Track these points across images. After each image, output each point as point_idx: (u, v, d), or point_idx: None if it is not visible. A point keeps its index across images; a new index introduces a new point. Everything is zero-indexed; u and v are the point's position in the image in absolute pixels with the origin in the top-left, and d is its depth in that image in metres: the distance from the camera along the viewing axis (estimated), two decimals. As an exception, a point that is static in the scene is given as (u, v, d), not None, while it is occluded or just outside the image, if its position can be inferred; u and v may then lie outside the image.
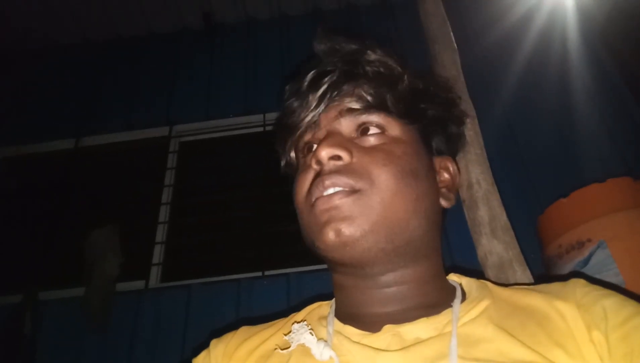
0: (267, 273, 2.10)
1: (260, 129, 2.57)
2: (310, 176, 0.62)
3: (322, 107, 0.64)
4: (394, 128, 0.64)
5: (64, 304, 2.06)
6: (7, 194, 2.48)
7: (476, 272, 0.92)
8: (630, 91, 2.37)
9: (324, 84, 0.65)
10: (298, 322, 0.62)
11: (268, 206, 2.33)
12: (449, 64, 1.36)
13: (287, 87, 0.72)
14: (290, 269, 2.08)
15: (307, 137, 0.67)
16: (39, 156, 2.62)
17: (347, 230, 0.55)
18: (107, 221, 2.17)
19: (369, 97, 0.64)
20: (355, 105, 0.63)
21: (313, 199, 0.59)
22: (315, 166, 0.62)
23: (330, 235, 0.56)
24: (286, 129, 0.70)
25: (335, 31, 0.73)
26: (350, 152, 0.60)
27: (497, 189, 1.17)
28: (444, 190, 0.67)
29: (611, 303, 0.53)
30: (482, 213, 1.13)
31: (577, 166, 2.14)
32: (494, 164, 1.22)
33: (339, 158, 0.59)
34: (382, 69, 0.67)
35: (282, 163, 0.75)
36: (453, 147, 0.73)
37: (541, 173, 2.16)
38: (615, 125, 2.27)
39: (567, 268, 1.45)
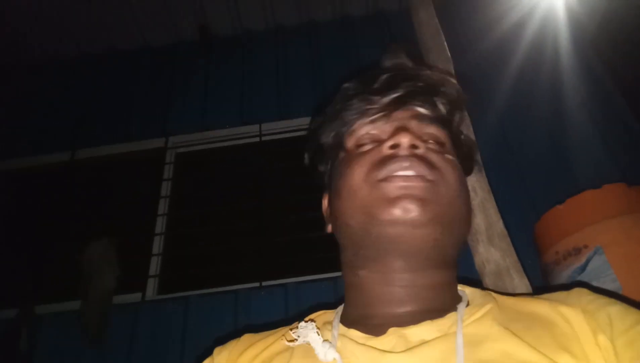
0: (264, 283, 2.10)
1: (257, 139, 2.58)
2: (375, 157, 0.62)
3: (397, 105, 0.66)
4: (451, 148, 0.68)
5: (60, 318, 2.04)
6: (2, 207, 2.46)
7: (479, 283, 0.92)
8: (622, 97, 2.39)
9: (404, 87, 0.67)
10: (306, 321, 0.63)
11: (265, 216, 2.33)
12: (443, 73, 1.37)
13: (349, 82, 0.74)
14: (288, 279, 2.08)
15: (370, 128, 0.67)
16: (34, 169, 2.62)
17: (417, 210, 0.57)
18: (104, 234, 2.16)
19: (442, 111, 0.68)
20: (428, 113, 0.67)
21: (384, 176, 0.59)
22: (388, 151, 0.62)
23: (399, 210, 0.57)
24: (347, 114, 0.70)
25: (403, 51, 0.78)
26: (425, 146, 0.63)
27: (493, 197, 1.18)
28: None
29: (616, 310, 0.53)
30: (479, 221, 1.13)
31: (572, 173, 2.16)
32: (489, 172, 1.23)
33: (416, 147, 0.61)
34: (457, 95, 0.71)
35: (322, 143, 0.74)
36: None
37: (536, 180, 2.17)
38: (608, 131, 2.29)
39: (564, 275, 1.45)
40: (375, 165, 0.61)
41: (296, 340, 0.59)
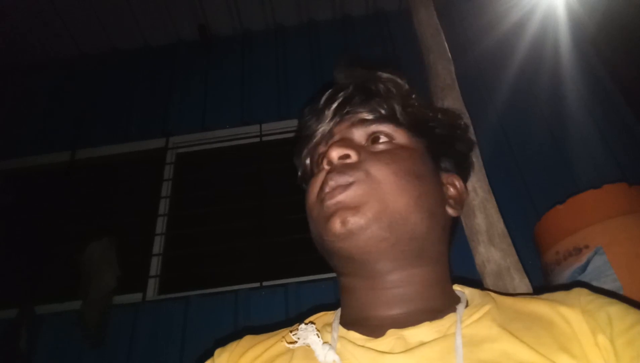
0: (265, 283, 2.10)
1: (257, 139, 2.58)
2: (321, 177, 0.65)
3: (336, 118, 0.70)
4: (402, 138, 0.68)
5: (60, 318, 2.04)
6: (2, 207, 2.47)
7: (478, 283, 0.92)
8: (622, 97, 2.39)
9: (338, 98, 0.71)
10: (306, 323, 0.63)
11: (265, 216, 2.33)
12: (444, 73, 1.37)
13: (305, 108, 0.77)
14: (289, 279, 2.08)
15: (322, 148, 0.71)
16: (34, 169, 2.62)
17: (352, 218, 0.58)
18: (104, 234, 2.16)
19: (380, 109, 0.69)
20: (367, 116, 0.69)
21: (322, 196, 0.62)
22: (326, 167, 0.66)
23: (337, 224, 0.59)
24: (303, 142, 0.75)
25: (355, 58, 0.79)
26: (358, 152, 0.64)
27: (493, 197, 1.18)
28: (450, 201, 0.70)
29: (615, 310, 0.53)
30: (479, 221, 1.13)
31: (572, 172, 2.16)
32: (489, 172, 1.23)
33: (347, 156, 0.64)
34: (392, 86, 0.72)
35: (299, 174, 0.79)
36: (461, 169, 0.77)
37: (537, 180, 2.17)
38: (608, 130, 2.29)
39: (565, 275, 1.45)
40: (325, 181, 0.64)
41: (296, 342, 0.59)
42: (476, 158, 1.23)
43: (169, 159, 2.58)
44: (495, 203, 1.17)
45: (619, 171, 2.12)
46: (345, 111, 0.70)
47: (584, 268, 1.39)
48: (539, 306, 0.58)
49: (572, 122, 2.31)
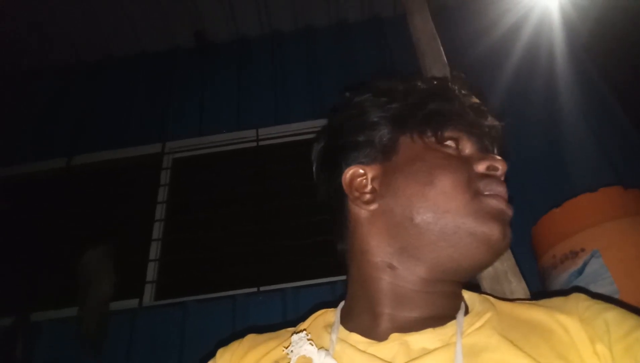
0: (262, 288, 2.09)
1: (254, 144, 2.58)
2: (471, 169, 0.63)
3: (490, 132, 0.70)
4: None
5: (57, 325, 2.03)
6: (-1, 215, 2.46)
7: (476, 287, 0.92)
8: (616, 101, 2.41)
9: (486, 124, 0.71)
10: (298, 332, 0.62)
11: (262, 221, 2.32)
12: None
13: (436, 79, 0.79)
14: (286, 284, 2.07)
15: (463, 135, 0.67)
16: (31, 176, 2.61)
17: (508, 239, 0.61)
18: (101, 240, 2.15)
19: (499, 146, 0.72)
20: (501, 136, 0.72)
21: (489, 191, 0.61)
22: (481, 169, 0.63)
23: (500, 231, 0.59)
24: (450, 111, 0.68)
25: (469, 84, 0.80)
26: None
27: (490, 201, 1.18)
28: None
29: (613, 316, 0.54)
30: (476, 225, 1.13)
31: (568, 176, 2.17)
32: (486, 176, 1.23)
33: (497, 169, 0.65)
34: (501, 130, 0.75)
35: (354, 124, 0.69)
36: None
37: (532, 184, 2.17)
38: (603, 134, 2.30)
39: (562, 278, 1.45)
40: (477, 177, 0.62)
41: (290, 355, 0.58)
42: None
43: (165, 164, 2.57)
44: (492, 206, 1.17)
45: (614, 175, 2.13)
46: (496, 125, 0.72)
47: (580, 271, 1.39)
48: (538, 314, 0.58)
49: (567, 126, 2.32)
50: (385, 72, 2.65)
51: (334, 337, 0.59)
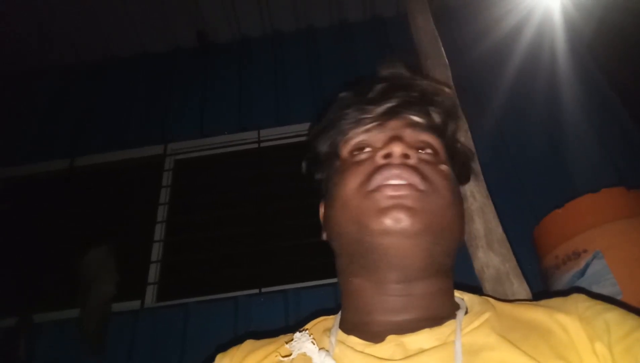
0: (264, 290, 2.09)
1: (255, 145, 2.58)
2: (368, 168, 0.63)
3: (391, 115, 0.68)
4: (443, 155, 0.69)
5: (59, 326, 2.03)
6: (1, 215, 2.46)
7: (478, 289, 0.92)
8: (619, 101, 2.40)
9: (398, 97, 0.69)
10: (301, 331, 0.63)
11: (264, 222, 2.32)
12: (441, 78, 1.37)
13: (344, 92, 0.76)
14: (288, 285, 2.07)
15: (364, 137, 0.68)
16: (33, 176, 2.61)
17: (408, 220, 0.57)
18: (103, 241, 2.15)
19: (436, 120, 0.70)
20: (422, 120, 0.68)
21: (375, 185, 0.60)
22: (381, 161, 0.63)
23: (390, 219, 0.58)
24: (342, 123, 0.71)
25: (400, 63, 0.79)
26: (417, 156, 0.64)
27: (491, 202, 1.18)
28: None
29: (613, 316, 0.53)
30: (478, 226, 1.13)
31: (570, 176, 2.16)
32: (487, 177, 1.23)
33: (408, 157, 0.62)
34: (450, 105, 0.74)
35: (318, 151, 0.76)
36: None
37: (535, 184, 2.17)
38: (606, 135, 2.29)
39: (564, 279, 1.45)
40: (368, 175, 0.62)
41: (292, 353, 0.59)
42: (474, 163, 1.23)
43: (167, 166, 2.57)
44: (493, 207, 1.17)
45: (617, 175, 2.13)
46: (402, 110, 0.68)
47: (583, 272, 1.39)
48: (537, 314, 0.58)
49: (570, 127, 2.32)
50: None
51: (333, 339, 0.60)
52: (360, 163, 0.65)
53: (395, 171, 0.60)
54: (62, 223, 2.42)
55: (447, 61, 1.42)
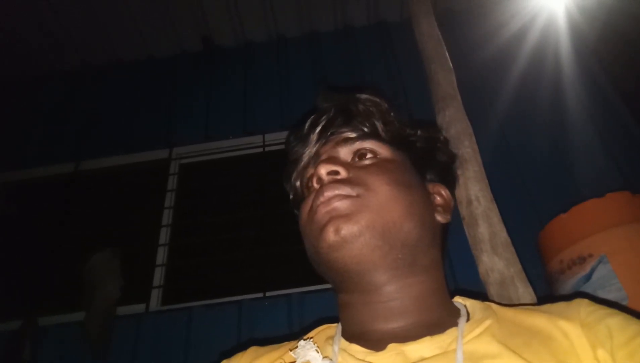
0: (268, 294, 2.09)
1: (260, 149, 2.59)
2: (312, 196, 0.67)
3: (322, 140, 0.73)
4: (386, 152, 0.71)
5: (64, 329, 2.03)
6: (6, 219, 2.47)
7: (480, 295, 0.92)
8: (623, 105, 2.39)
9: (321, 122, 0.74)
10: (305, 339, 0.63)
11: (269, 226, 2.33)
12: (445, 83, 1.38)
13: (290, 136, 0.81)
14: (292, 290, 2.07)
15: (311, 170, 0.73)
16: (38, 180, 2.63)
17: (346, 226, 0.59)
18: (107, 245, 2.16)
19: (362, 127, 0.73)
20: (351, 134, 0.72)
21: (314, 209, 0.64)
22: (316, 185, 0.68)
23: (330, 233, 0.60)
24: (291, 166, 0.77)
25: (335, 89, 0.83)
26: (347, 169, 0.66)
27: (496, 206, 1.18)
28: (439, 208, 0.72)
29: (616, 321, 0.53)
30: (482, 230, 1.13)
31: (575, 181, 2.15)
32: (492, 181, 1.23)
33: (336, 173, 0.66)
34: (371, 106, 0.76)
35: (291, 198, 0.81)
36: (446, 179, 0.79)
37: (539, 189, 2.16)
38: (611, 139, 2.29)
39: (569, 284, 1.44)
40: (315, 198, 0.65)
41: (295, 361, 0.59)
42: (478, 167, 1.24)
43: (172, 170, 2.58)
44: (498, 211, 1.17)
45: (622, 179, 2.12)
46: (329, 133, 0.73)
47: (588, 277, 1.38)
48: (539, 320, 0.57)
49: (574, 131, 2.31)
50: (391, 77, 2.65)
51: (335, 347, 0.60)
52: (310, 194, 0.69)
53: (325, 192, 0.63)
54: (67, 227, 2.43)
55: (451, 65, 1.42)
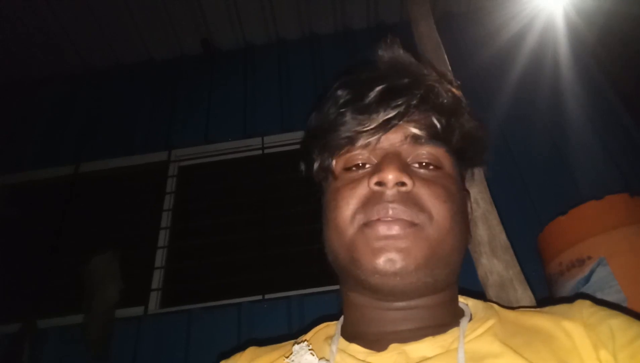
0: (267, 296, 2.09)
1: (259, 152, 2.59)
2: (362, 192, 0.60)
3: (389, 128, 0.61)
4: (449, 165, 0.64)
5: (63, 332, 2.03)
6: (6, 221, 2.47)
7: (480, 295, 0.92)
8: (622, 106, 2.40)
9: (397, 106, 0.61)
10: (300, 343, 0.62)
11: (268, 229, 2.33)
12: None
13: (340, 87, 0.68)
14: (291, 292, 2.07)
15: (361, 153, 0.63)
16: (38, 182, 2.63)
17: (402, 262, 0.55)
18: (107, 247, 2.16)
19: (438, 127, 0.63)
20: (423, 133, 0.62)
21: (367, 220, 0.57)
22: (374, 187, 0.58)
23: (383, 262, 0.55)
24: (336, 136, 0.64)
25: (399, 44, 0.71)
26: (413, 180, 0.58)
27: (495, 209, 1.18)
28: (470, 223, 0.69)
29: (618, 322, 0.53)
30: (482, 232, 1.13)
31: (574, 182, 2.15)
32: (491, 184, 1.23)
33: (403, 184, 0.58)
34: (452, 104, 0.65)
35: (313, 165, 0.70)
36: (472, 179, 0.76)
37: (538, 191, 2.17)
38: (610, 140, 2.29)
39: (568, 286, 1.44)
40: (362, 204, 0.59)
41: None
42: (477, 169, 1.23)
43: (171, 172, 2.58)
44: (497, 214, 1.17)
45: (621, 180, 2.12)
46: (401, 121, 0.61)
47: (587, 279, 1.38)
48: (541, 320, 0.57)
49: (574, 133, 2.31)
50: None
51: (334, 347, 0.59)
52: (353, 184, 0.61)
53: (388, 206, 0.56)
54: (67, 229, 2.43)
55: (450, 66, 1.42)
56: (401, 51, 0.71)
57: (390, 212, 0.56)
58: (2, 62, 2.90)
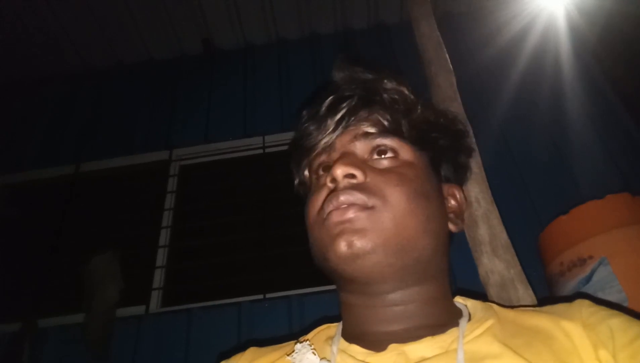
0: (268, 295, 2.09)
1: (260, 151, 2.59)
2: (324, 193, 0.64)
3: (339, 130, 0.67)
4: (407, 153, 0.66)
5: (64, 331, 2.03)
6: (6, 221, 2.47)
7: (481, 295, 0.92)
8: (623, 107, 2.40)
9: (342, 109, 0.68)
10: (302, 342, 0.63)
11: (269, 228, 2.33)
12: (445, 85, 1.38)
13: (304, 111, 0.75)
14: (292, 291, 2.07)
15: (322, 158, 0.69)
16: (39, 182, 2.63)
17: (359, 242, 0.57)
18: (107, 246, 2.16)
19: (385, 122, 0.67)
20: (371, 129, 0.66)
21: (326, 214, 0.60)
22: (329, 184, 0.63)
23: (342, 246, 0.57)
24: (302, 150, 0.72)
25: (355, 59, 0.77)
26: (364, 172, 0.62)
27: (496, 208, 1.18)
28: (451, 215, 0.69)
29: (618, 322, 0.53)
30: (482, 232, 1.13)
31: (575, 182, 2.15)
32: (492, 183, 1.23)
33: (353, 176, 0.61)
34: (397, 97, 0.70)
35: (296, 182, 0.78)
36: (460, 176, 0.76)
37: (539, 190, 2.17)
38: (610, 140, 2.29)
39: (569, 285, 1.44)
40: (322, 201, 0.63)
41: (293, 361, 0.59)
42: (479, 169, 1.24)
43: (172, 172, 2.58)
44: (498, 213, 1.17)
45: (622, 180, 2.12)
46: (348, 122, 0.67)
47: (588, 279, 1.38)
48: (541, 320, 0.57)
49: (574, 133, 2.31)
50: (392, 74, 2.65)
51: (334, 348, 0.60)
52: (319, 188, 0.66)
53: (340, 197, 0.59)
54: (67, 229, 2.43)
55: (451, 67, 1.42)
56: (354, 66, 0.77)
57: (342, 198, 0.59)
58: (2, 62, 2.90)
